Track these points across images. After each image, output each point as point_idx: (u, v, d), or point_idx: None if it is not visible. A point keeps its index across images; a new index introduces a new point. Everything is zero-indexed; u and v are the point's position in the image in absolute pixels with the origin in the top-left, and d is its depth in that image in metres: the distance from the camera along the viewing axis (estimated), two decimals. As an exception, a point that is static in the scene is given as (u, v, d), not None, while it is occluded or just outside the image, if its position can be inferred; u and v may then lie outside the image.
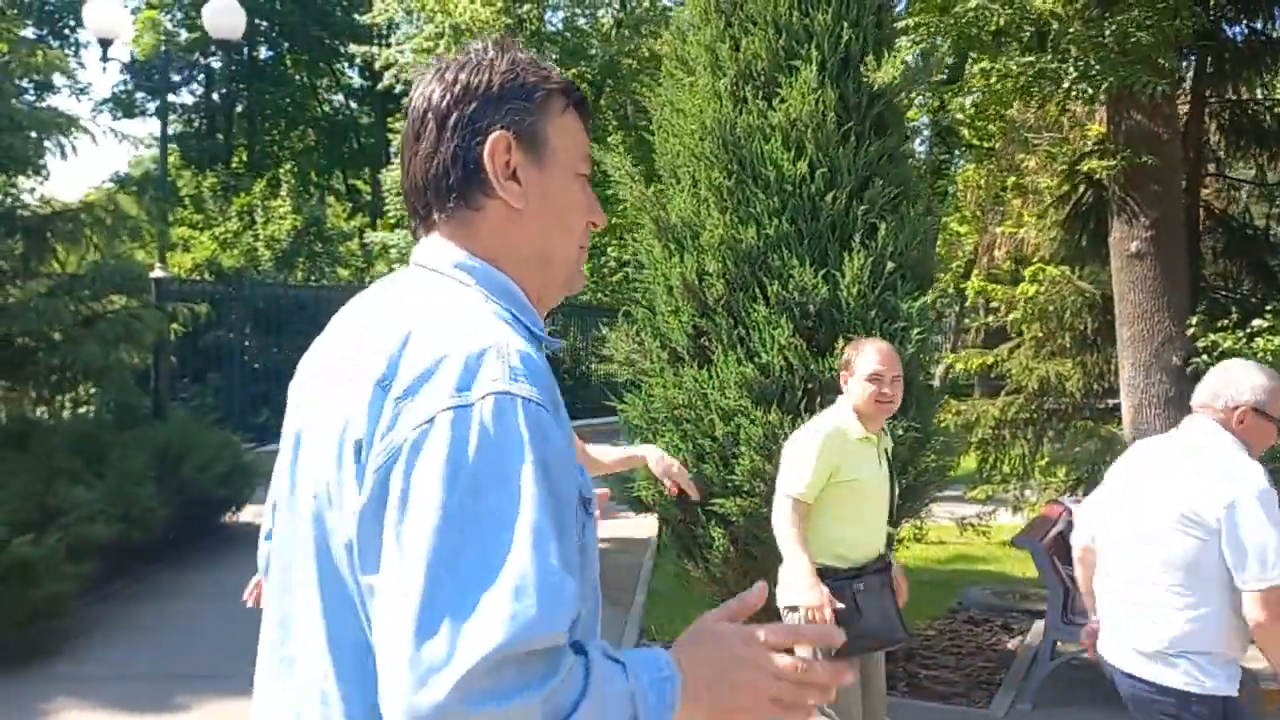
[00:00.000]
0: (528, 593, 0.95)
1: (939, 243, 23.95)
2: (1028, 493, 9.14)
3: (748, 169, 4.90)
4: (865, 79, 4.83)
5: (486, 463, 0.99)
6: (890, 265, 4.75)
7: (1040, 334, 8.77)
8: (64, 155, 9.05)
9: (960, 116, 10.66)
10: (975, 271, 18.25)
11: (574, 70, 21.42)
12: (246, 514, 9.25)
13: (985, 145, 14.95)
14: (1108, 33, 6.12)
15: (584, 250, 1.31)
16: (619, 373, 5.30)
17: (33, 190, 13.42)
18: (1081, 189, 8.25)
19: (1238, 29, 8.73)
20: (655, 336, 5.17)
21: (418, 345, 1.08)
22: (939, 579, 7.95)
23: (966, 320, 25.18)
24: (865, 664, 3.42)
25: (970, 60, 8.79)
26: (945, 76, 10.12)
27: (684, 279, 4.95)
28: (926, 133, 22.40)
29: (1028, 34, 7.21)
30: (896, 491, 3.44)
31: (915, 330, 4.67)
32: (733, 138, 4.93)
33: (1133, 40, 5.95)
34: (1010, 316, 10.48)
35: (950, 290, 24.09)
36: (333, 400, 1.14)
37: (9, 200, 10.16)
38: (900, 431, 4.60)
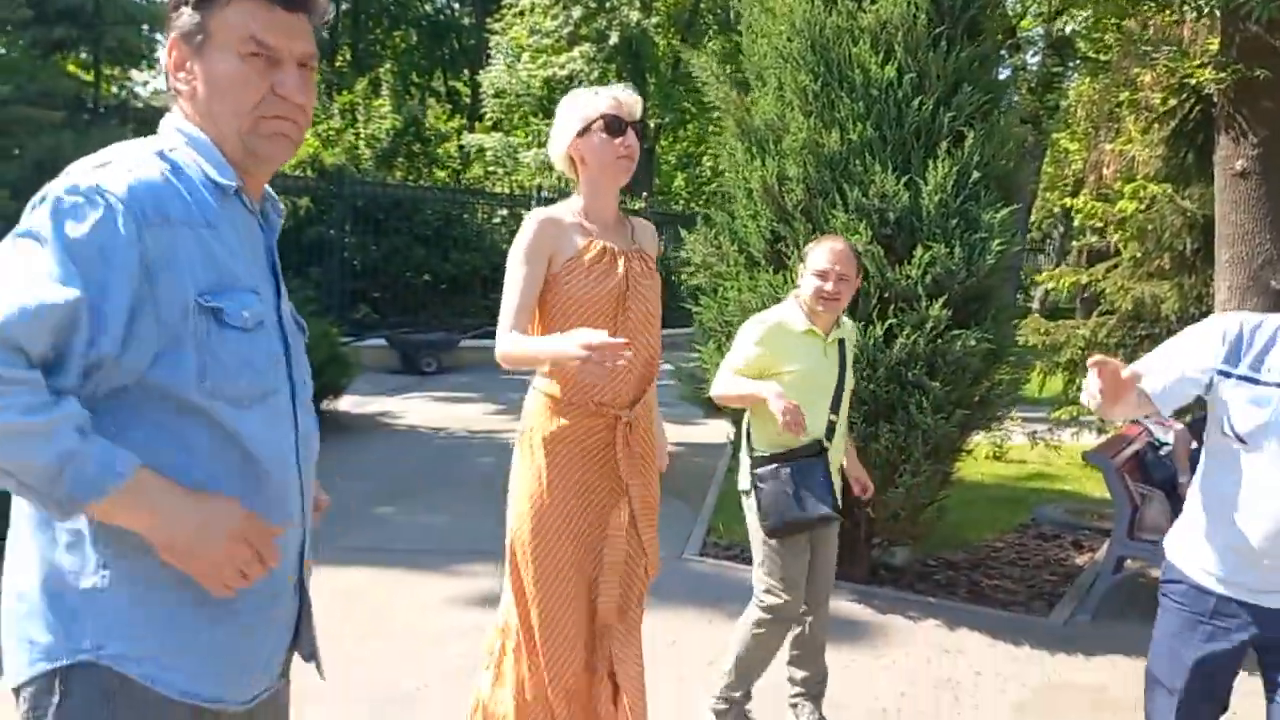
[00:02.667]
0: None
1: (1047, 159, 23.18)
2: (1144, 418, 9.00)
3: (834, 72, 4.86)
4: (959, -19, 4.73)
5: (35, 227, 1.33)
6: (975, 175, 4.70)
7: (1138, 254, 8.54)
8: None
9: (1075, 28, 10.18)
10: (1084, 190, 17.69)
11: (674, -29, 21.05)
12: (343, 402, 9.72)
13: (1101, 59, 14.28)
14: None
15: (269, 120, 1.52)
16: (695, 276, 5.38)
17: (145, 84, 13.83)
18: (1190, 104, 7.92)
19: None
20: (733, 240, 5.22)
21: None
22: (1015, 496, 7.96)
23: (1074, 240, 24.43)
24: (814, 544, 3.51)
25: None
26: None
27: (764, 183, 4.98)
28: (1040, 44, 21.56)
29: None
30: (848, 385, 3.47)
31: (996, 241, 4.63)
32: (821, 39, 4.89)
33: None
34: (1114, 236, 10.20)
35: (1056, 209, 23.38)
36: None
37: (122, 92, 10.54)
38: (973, 343, 4.62)
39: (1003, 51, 21.94)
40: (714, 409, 5.49)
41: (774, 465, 3.40)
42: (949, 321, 4.63)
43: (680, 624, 4.63)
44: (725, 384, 3.44)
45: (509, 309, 2.64)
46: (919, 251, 4.62)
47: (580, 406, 2.71)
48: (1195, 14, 7.11)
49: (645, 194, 19.04)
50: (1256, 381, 2.27)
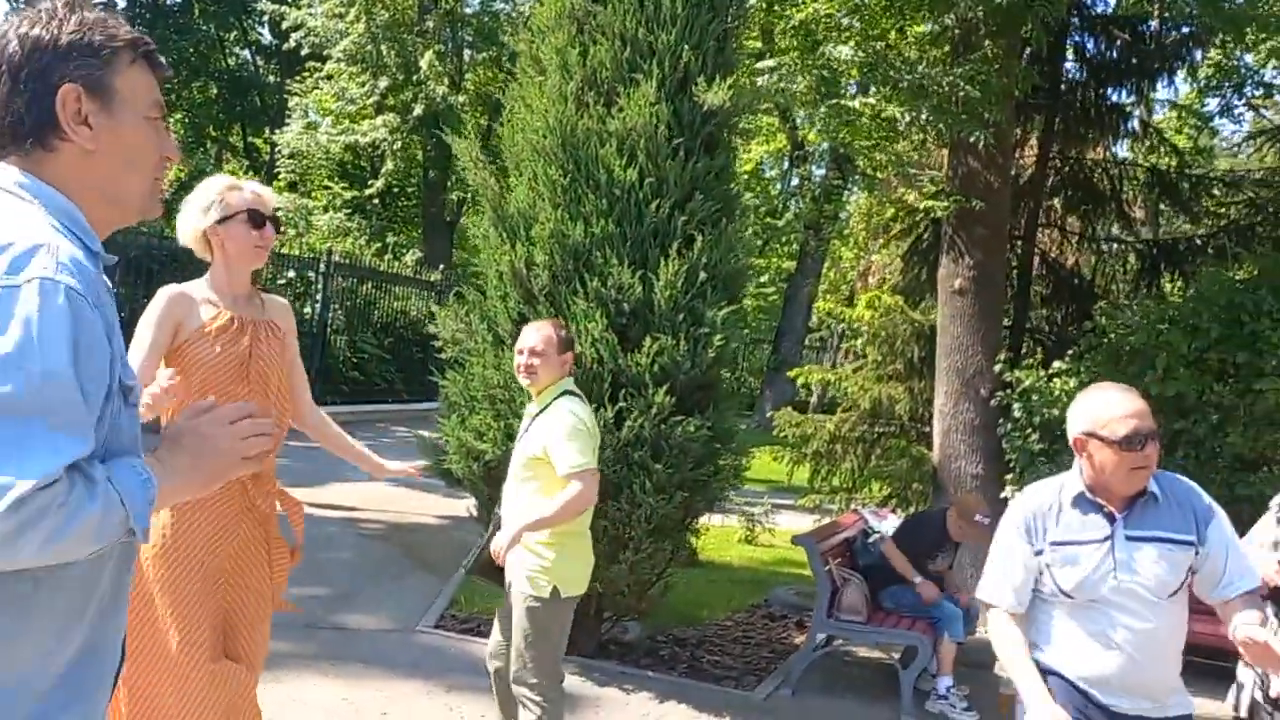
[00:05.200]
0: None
1: (827, 265, 24.68)
2: (853, 505, 9.68)
3: (582, 170, 5.19)
4: (697, 99, 5.17)
5: (21, 334, 1.25)
6: (703, 275, 5.09)
7: (878, 358, 9.28)
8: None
9: (857, 146, 11.06)
10: (858, 295, 18.92)
11: (485, 54, 21.51)
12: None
13: (878, 176, 15.49)
14: (944, 83, 6.60)
15: (159, 181, 1.55)
16: (445, 350, 5.55)
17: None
18: (923, 225, 8.78)
19: (1091, 93, 9.41)
20: (483, 319, 5.43)
21: None
22: (758, 578, 8.39)
23: (846, 341, 25.92)
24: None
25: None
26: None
27: (513, 266, 5.22)
28: (825, 158, 23.13)
29: (882, 76, 7.65)
30: (525, 453, 3.65)
31: (717, 337, 5.02)
32: (572, 139, 5.22)
33: (962, 92, 6.43)
34: (859, 341, 11.06)
35: (833, 311, 24.88)
36: None
37: None
38: (692, 429, 4.96)
39: (793, 160, 23.35)
40: (456, 481, 5.63)
41: None
42: (673, 408, 4.96)
43: (394, 694, 4.67)
44: None
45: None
46: (648, 341, 4.95)
47: None
48: (923, 140, 7.93)
49: (442, 266, 19.12)
50: (1064, 543, 2.59)
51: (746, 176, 23.80)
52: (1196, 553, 2.57)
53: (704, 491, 5.28)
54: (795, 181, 26.84)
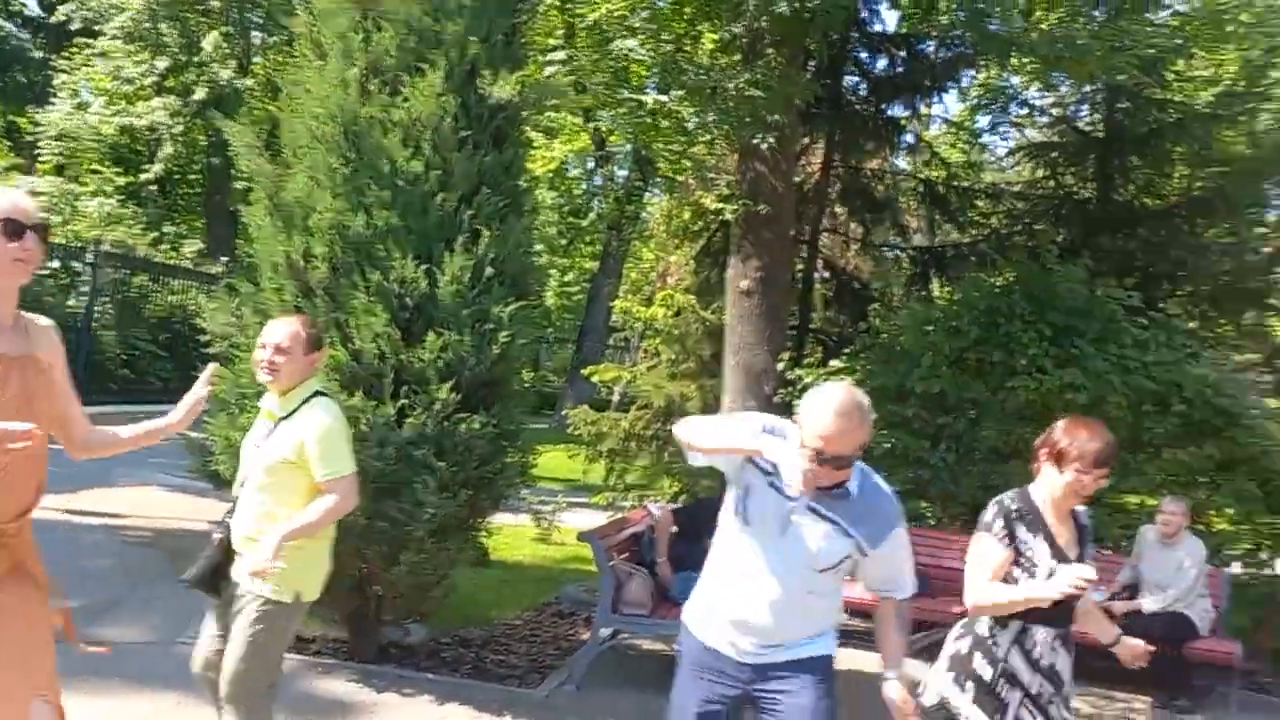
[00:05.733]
0: None
1: (628, 265, 24.94)
2: (647, 502, 9.82)
3: (364, 159, 5.02)
4: (484, 91, 5.10)
5: None
6: (490, 271, 5.03)
7: (672, 356, 9.47)
8: None
9: (656, 148, 11.15)
10: (656, 296, 19.20)
11: (276, 37, 20.60)
12: None
13: (678, 178, 15.73)
14: (731, 87, 6.78)
15: None
16: (215, 344, 5.26)
17: None
18: (714, 227, 9.02)
19: (871, 108, 9.89)
20: (256, 312, 5.17)
21: None
22: (549, 576, 8.37)
23: (651, 340, 26.22)
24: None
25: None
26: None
27: (289, 258, 5.00)
28: (628, 159, 23.39)
29: (674, 79, 7.79)
30: (263, 462, 3.42)
31: (503, 333, 4.97)
32: (354, 127, 5.04)
33: (748, 93, 6.63)
34: (655, 340, 11.25)
35: (629, 310, 25.17)
36: None
37: None
38: (477, 426, 4.88)
39: (596, 160, 23.44)
40: (225, 483, 5.34)
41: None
42: (457, 405, 4.87)
43: (152, 709, 4.38)
44: None
45: None
46: (432, 337, 4.84)
47: None
48: (712, 141, 8.12)
49: (225, 258, 18.19)
50: (769, 473, 2.68)
51: (550, 175, 23.81)
52: (862, 553, 2.75)
53: (490, 490, 5.21)
54: (599, 181, 27.09)
